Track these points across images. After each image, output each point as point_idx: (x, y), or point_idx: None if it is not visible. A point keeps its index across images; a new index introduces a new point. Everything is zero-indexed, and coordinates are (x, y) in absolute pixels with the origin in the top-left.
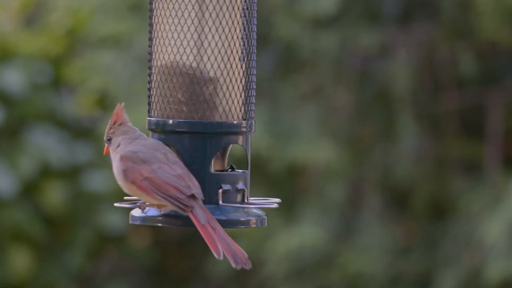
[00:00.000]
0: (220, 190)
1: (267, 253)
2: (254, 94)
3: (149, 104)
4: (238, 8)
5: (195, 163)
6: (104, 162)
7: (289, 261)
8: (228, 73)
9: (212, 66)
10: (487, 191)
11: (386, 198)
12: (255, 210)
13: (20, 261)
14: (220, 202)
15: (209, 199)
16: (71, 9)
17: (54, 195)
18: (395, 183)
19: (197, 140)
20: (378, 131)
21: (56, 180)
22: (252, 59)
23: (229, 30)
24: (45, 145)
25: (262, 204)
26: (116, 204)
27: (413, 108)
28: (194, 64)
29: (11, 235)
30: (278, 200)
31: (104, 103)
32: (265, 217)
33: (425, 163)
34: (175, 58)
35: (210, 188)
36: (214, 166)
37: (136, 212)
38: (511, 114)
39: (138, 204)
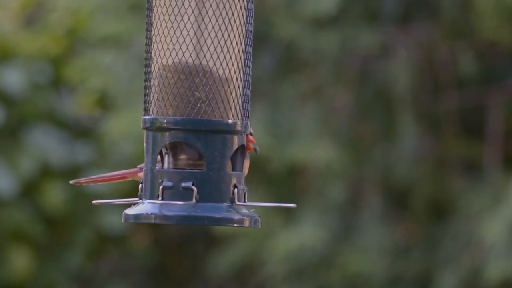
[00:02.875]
0: (236, 190)
1: (267, 253)
2: (250, 95)
3: (145, 102)
4: (237, 7)
5: (215, 162)
6: (104, 162)
7: (289, 261)
8: (229, 72)
9: (214, 64)
10: (487, 191)
11: (386, 198)
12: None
13: (20, 261)
14: (236, 201)
15: (223, 197)
16: (71, 9)
17: (54, 195)
18: (395, 183)
19: (203, 138)
20: (378, 131)
21: (56, 180)
22: (249, 58)
23: (231, 29)
24: (45, 145)
25: (278, 203)
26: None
27: (413, 108)
28: (196, 62)
29: (11, 235)
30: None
31: (104, 103)
32: (259, 218)
33: (425, 163)
34: (176, 56)
35: (224, 186)
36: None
37: (130, 211)
38: (511, 114)
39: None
